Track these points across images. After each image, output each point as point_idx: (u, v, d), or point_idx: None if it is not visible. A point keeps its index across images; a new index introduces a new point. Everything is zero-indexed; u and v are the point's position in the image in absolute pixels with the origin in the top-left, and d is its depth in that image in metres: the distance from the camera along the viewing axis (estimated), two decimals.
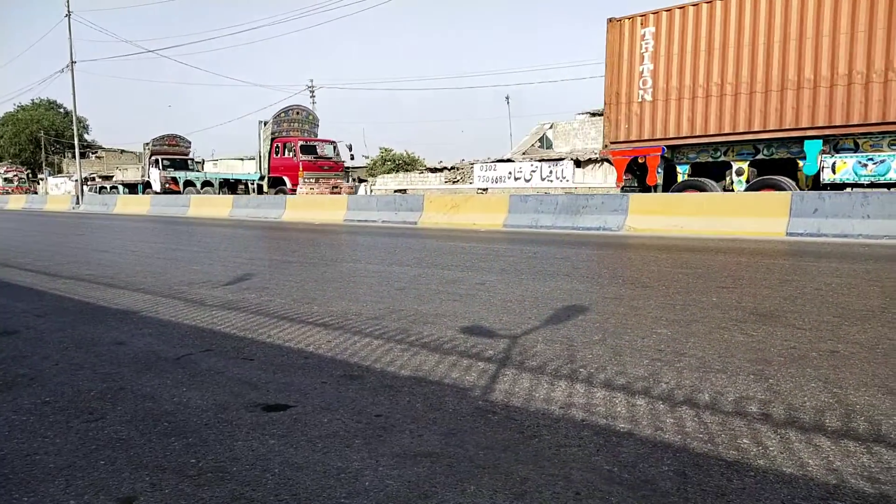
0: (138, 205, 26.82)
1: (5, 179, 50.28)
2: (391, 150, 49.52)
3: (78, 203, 31.03)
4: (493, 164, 36.48)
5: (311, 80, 44.77)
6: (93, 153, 71.98)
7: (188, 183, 29.64)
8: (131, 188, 35.75)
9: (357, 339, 4.14)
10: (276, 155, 24.21)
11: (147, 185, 33.14)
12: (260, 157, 24.90)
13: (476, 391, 3.10)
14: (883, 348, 3.70)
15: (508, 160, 36.76)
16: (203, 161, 48.02)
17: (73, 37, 32.54)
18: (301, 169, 22.98)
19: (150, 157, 32.05)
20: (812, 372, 3.29)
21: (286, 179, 23.70)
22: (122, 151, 74.25)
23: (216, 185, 28.24)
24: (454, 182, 36.66)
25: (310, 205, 19.53)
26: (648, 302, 5.17)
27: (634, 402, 2.91)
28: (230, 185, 28.06)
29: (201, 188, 28.55)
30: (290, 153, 23.66)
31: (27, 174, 54.18)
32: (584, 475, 2.21)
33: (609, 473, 2.22)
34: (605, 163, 32.83)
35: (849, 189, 11.89)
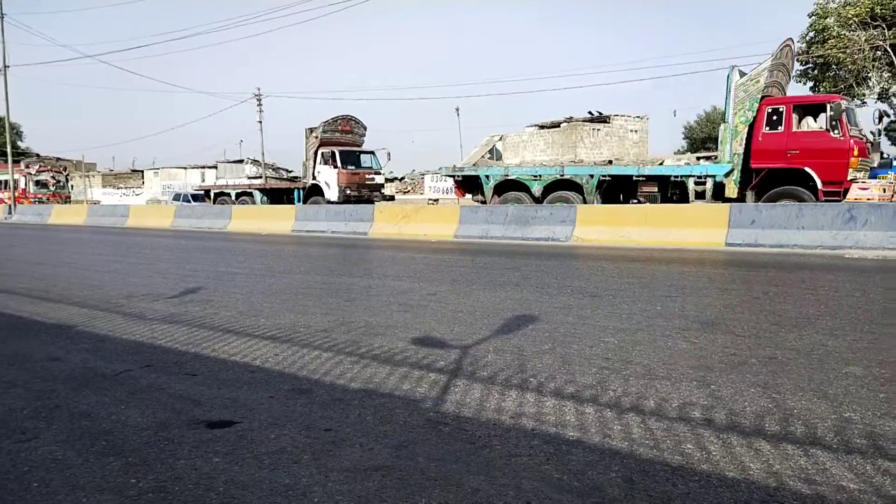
0: (74, 215, 25.77)
1: (38, 183, 36.27)
2: None
3: (10, 213, 29.55)
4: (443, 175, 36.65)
5: (259, 89, 43.71)
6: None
7: (511, 185, 16.53)
8: (274, 197, 24.25)
9: (306, 352, 4.07)
10: (772, 128, 13.27)
11: (312, 192, 22.39)
12: (731, 133, 13.76)
13: (427, 403, 3.08)
14: (818, 354, 3.86)
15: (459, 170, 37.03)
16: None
17: (7, 40, 31.06)
18: (855, 153, 12.53)
19: (316, 149, 22.07)
20: (752, 378, 3.40)
21: (812, 173, 12.80)
22: (59, 159, 71.31)
23: (588, 188, 15.15)
24: (405, 193, 36.62)
25: (256, 215, 19.19)
26: (596, 311, 5.27)
27: (583, 410, 2.94)
28: (620, 187, 15.38)
29: (552, 194, 15.70)
30: (832, 125, 12.65)
31: (66, 176, 39.46)
32: (534, 484, 2.22)
33: (559, 481, 2.23)
34: None
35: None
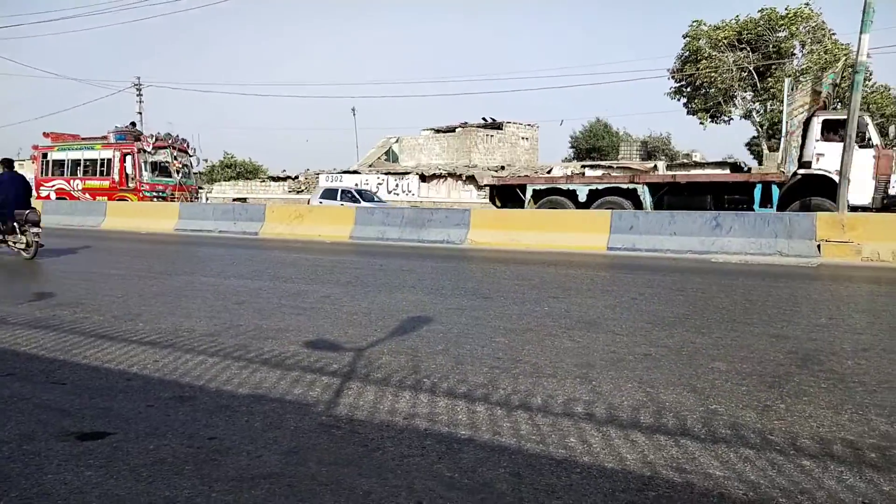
0: None
1: (155, 167, 21.04)
2: (233, 156, 47.13)
3: None
4: (339, 174, 36.16)
5: (138, 78, 40.74)
6: None
7: None
8: (690, 197, 13.64)
9: (189, 357, 3.88)
10: None
11: (803, 189, 12.68)
12: None
13: (319, 406, 3.03)
14: (688, 351, 4.18)
15: (355, 171, 36.67)
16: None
17: None
18: None
19: (812, 114, 12.62)
20: (629, 373, 3.63)
21: None
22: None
23: None
24: (298, 192, 35.69)
25: (134, 212, 17.99)
26: (487, 312, 5.40)
27: (475, 409, 3.01)
28: None
29: None
30: None
31: (191, 159, 22.47)
32: (426, 483, 2.24)
33: (450, 480, 2.28)
34: (450, 178, 33.93)
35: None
